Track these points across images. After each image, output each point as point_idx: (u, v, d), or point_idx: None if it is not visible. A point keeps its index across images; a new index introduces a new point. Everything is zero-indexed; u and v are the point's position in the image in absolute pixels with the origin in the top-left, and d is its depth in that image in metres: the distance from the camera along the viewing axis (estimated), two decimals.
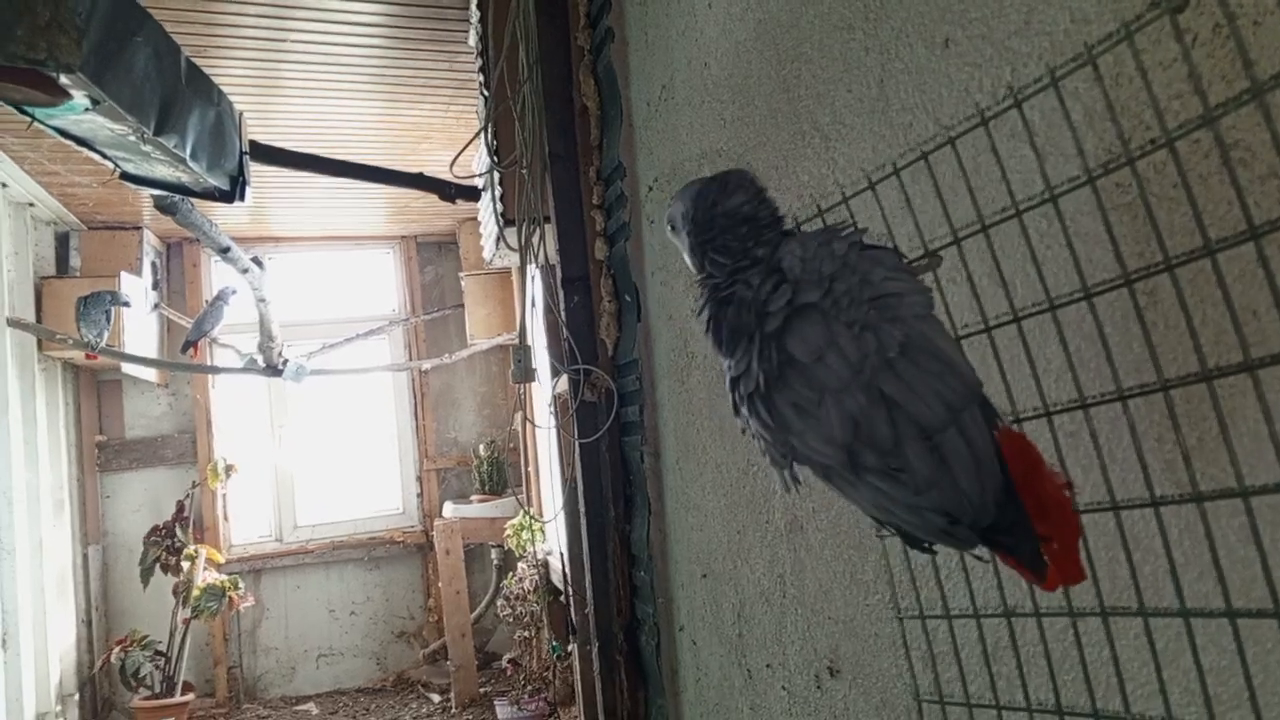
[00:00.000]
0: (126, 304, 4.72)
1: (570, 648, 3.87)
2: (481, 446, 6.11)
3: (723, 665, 1.93)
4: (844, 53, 1.25)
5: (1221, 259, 0.66)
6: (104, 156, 2.47)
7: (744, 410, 0.82)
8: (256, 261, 4.21)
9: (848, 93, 1.25)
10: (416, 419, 6.54)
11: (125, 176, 2.62)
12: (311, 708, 5.86)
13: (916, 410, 0.70)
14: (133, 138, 2.28)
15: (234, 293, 5.18)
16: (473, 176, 3.41)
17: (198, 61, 2.63)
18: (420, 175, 3.69)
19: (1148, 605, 0.79)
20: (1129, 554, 0.80)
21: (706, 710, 2.04)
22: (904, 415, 0.70)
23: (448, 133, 4.62)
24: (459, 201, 3.64)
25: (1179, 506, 0.76)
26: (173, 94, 2.35)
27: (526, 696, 4.71)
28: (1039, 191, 0.80)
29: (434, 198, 3.82)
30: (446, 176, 3.51)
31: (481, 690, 5.61)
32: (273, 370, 4.80)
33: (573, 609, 3.07)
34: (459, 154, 2.91)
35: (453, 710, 5.50)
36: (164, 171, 2.60)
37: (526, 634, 4.81)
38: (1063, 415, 0.84)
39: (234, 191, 2.81)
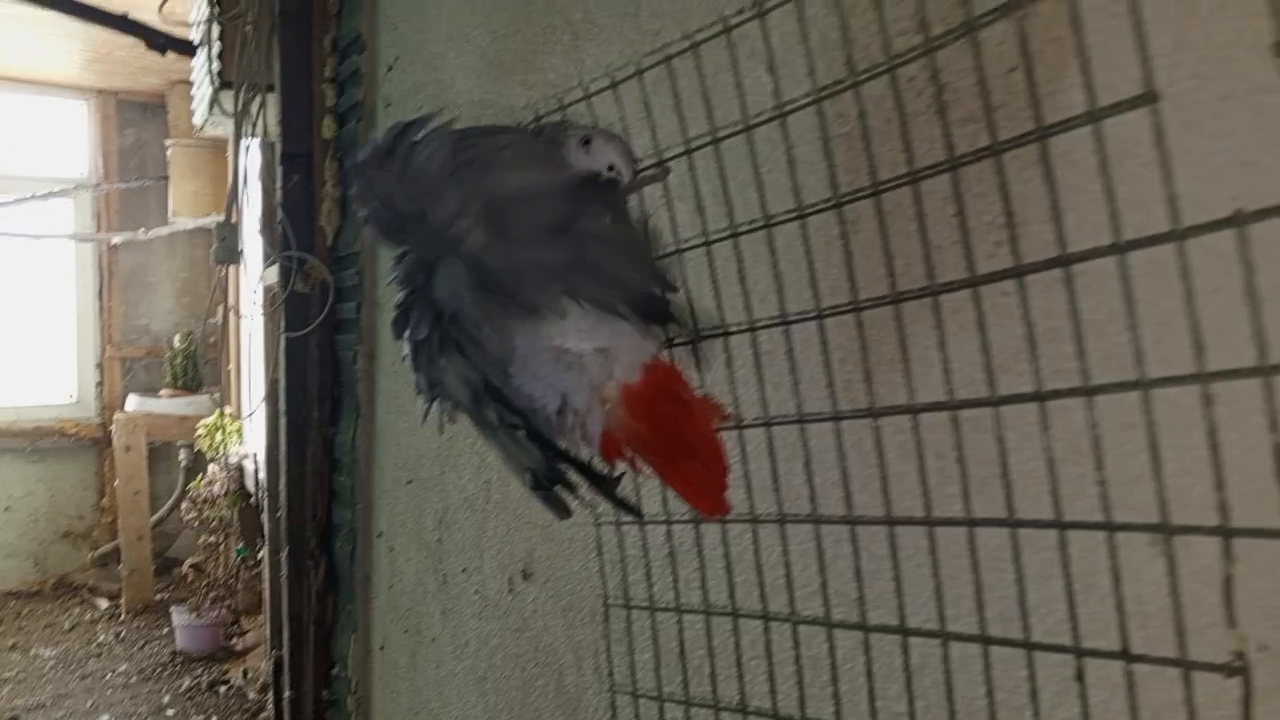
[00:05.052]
0: None
1: (260, 553, 3.67)
2: (177, 337, 5.58)
3: (419, 571, 1.90)
4: None
5: (921, 190, 0.70)
6: None
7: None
8: None
9: None
10: (101, 300, 5.83)
11: None
12: None
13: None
14: None
15: None
16: (189, 25, 3.02)
17: None
18: (124, 17, 3.22)
19: (820, 512, 0.85)
20: (809, 464, 0.85)
21: (397, 616, 2.01)
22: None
23: None
24: (170, 54, 3.22)
25: (854, 421, 0.81)
26: None
27: (209, 604, 4.43)
28: (770, 107, 0.81)
29: (142, 48, 3.37)
30: (157, 23, 3.09)
31: (158, 597, 5.21)
32: None
33: (265, 514, 2.90)
34: None
35: (122, 617, 5.07)
36: None
37: (213, 539, 4.51)
38: (766, 331, 0.87)
39: None
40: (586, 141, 0.79)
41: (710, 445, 0.78)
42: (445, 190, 0.72)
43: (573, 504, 0.79)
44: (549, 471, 0.75)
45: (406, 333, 0.80)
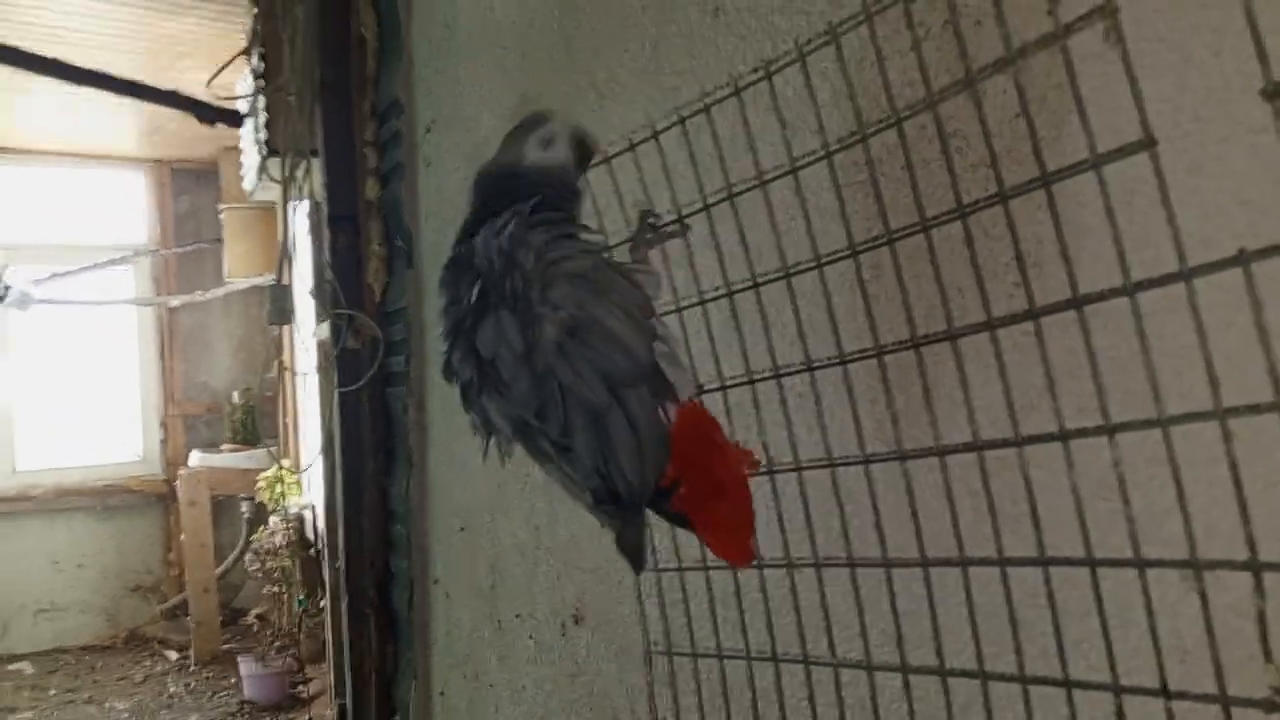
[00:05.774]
0: None
1: (322, 603, 3.73)
2: (236, 393, 5.73)
3: (474, 617, 1.92)
4: (621, 9, 1.25)
5: (935, 236, 0.72)
6: None
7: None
8: None
9: (624, 52, 1.25)
10: (162, 360, 6.03)
11: None
12: (26, 667, 5.33)
13: (581, 392, 0.73)
14: None
15: None
16: (236, 98, 3.15)
17: None
18: (174, 93, 3.36)
19: (855, 555, 0.86)
20: (841, 507, 0.86)
21: (456, 661, 2.03)
22: (573, 398, 0.73)
23: (211, 51, 4.22)
24: (219, 125, 3.35)
25: (885, 463, 0.82)
26: None
27: (274, 653, 4.50)
28: (784, 163, 0.83)
29: (193, 120, 3.50)
30: (206, 97, 3.22)
31: (225, 647, 5.31)
32: None
33: (325, 563, 2.96)
34: (218, 72, 2.68)
35: (192, 668, 5.17)
36: None
37: (276, 589, 4.59)
38: (793, 377, 0.88)
39: None
40: (548, 141, 0.87)
41: (739, 488, 0.80)
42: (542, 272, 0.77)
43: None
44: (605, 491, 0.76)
45: (454, 376, 0.84)
